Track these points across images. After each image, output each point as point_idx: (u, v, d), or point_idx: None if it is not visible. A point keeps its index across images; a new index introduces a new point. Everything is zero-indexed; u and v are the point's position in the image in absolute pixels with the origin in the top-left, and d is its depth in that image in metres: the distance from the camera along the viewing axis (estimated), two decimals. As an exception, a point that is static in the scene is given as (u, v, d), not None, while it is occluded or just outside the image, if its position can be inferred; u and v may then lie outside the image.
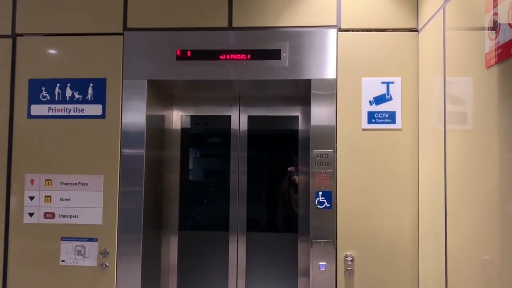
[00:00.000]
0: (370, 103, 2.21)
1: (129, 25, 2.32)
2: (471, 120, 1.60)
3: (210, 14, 2.30)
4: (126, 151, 2.27)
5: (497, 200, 1.38)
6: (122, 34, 2.32)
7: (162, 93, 2.53)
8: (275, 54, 2.27)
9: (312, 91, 2.24)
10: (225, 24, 2.30)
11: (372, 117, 2.20)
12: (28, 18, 2.36)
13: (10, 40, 2.35)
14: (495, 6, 1.39)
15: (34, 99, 2.31)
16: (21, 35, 2.35)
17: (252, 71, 2.27)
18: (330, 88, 2.23)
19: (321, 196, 2.19)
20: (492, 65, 1.40)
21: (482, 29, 1.47)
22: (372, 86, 2.21)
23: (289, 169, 2.70)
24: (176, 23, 2.31)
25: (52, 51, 2.34)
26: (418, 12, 2.22)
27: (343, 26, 2.25)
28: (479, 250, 1.50)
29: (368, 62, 2.22)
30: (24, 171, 2.31)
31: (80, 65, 2.31)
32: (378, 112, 2.20)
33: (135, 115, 2.28)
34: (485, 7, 1.45)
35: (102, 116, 2.28)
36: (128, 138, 2.28)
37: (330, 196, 2.19)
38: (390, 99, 2.20)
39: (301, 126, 2.67)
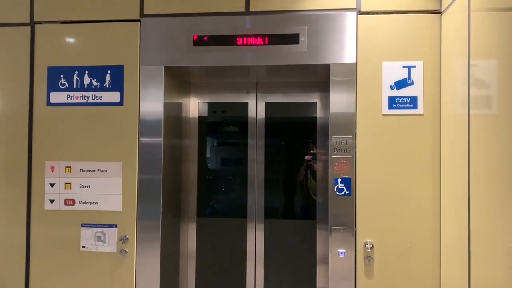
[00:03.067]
0: (391, 87, 2.16)
1: (145, 12, 2.31)
2: (497, 105, 1.54)
3: (228, 1, 2.26)
4: (144, 139, 2.27)
5: (525, 186, 1.33)
6: (139, 20, 2.30)
7: (179, 80, 2.52)
8: (293, 39, 2.22)
9: (331, 77, 2.20)
10: (242, 9, 2.26)
11: (393, 102, 2.14)
12: (46, 6, 2.36)
13: (28, 29, 2.36)
14: (525, -17, 1.32)
15: (53, 86, 2.33)
16: (39, 23, 2.36)
17: (269, 56, 2.24)
18: (350, 73, 2.18)
19: (340, 183, 2.16)
20: (521, 45, 1.34)
21: (510, 9, 1.41)
22: (393, 71, 2.15)
23: (306, 157, 2.68)
24: (193, 8, 2.28)
25: (69, 39, 2.34)
26: (440, -7, 2.15)
27: (363, 9, 2.19)
28: (503, 237, 1.45)
29: (389, 45, 2.16)
30: (44, 158, 2.33)
31: (98, 53, 2.31)
32: (399, 97, 2.14)
33: (153, 102, 2.28)
34: (514, -16, 1.39)
35: (120, 103, 2.29)
36: (146, 125, 2.28)
37: (349, 182, 2.15)
38: (412, 83, 2.14)
39: (319, 113, 2.63)
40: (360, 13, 2.20)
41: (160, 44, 2.29)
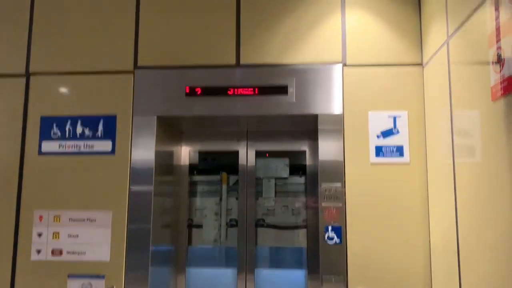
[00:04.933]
0: (378, 137, 2.22)
1: (139, 64, 2.38)
2: (480, 153, 1.60)
3: (218, 52, 2.36)
4: (135, 187, 2.28)
5: (511, 235, 1.35)
6: (132, 72, 2.37)
7: (171, 129, 2.56)
8: (282, 90, 2.30)
9: (319, 126, 2.26)
10: (233, 62, 2.35)
11: (380, 151, 2.20)
12: (42, 58, 2.43)
13: (23, 79, 2.41)
14: (498, 40, 1.41)
15: (45, 135, 2.35)
16: (34, 74, 2.42)
17: (259, 106, 2.30)
18: (337, 123, 2.25)
19: (331, 231, 2.16)
20: (498, 97, 1.42)
21: (487, 63, 1.50)
22: (379, 120, 2.22)
23: (296, 205, 2.69)
24: (185, 61, 2.37)
25: (64, 89, 2.39)
26: (422, 47, 2.26)
27: (348, 62, 2.30)
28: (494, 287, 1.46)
29: (374, 96, 2.25)
30: (33, 207, 2.31)
31: (91, 103, 2.36)
32: (386, 146, 2.20)
33: (144, 151, 2.31)
34: (489, 41, 1.48)
35: (112, 152, 2.31)
36: (137, 174, 2.29)
37: (340, 231, 2.16)
38: (398, 132, 2.21)
39: (309, 160, 2.68)
40: (346, 65, 2.30)
41: (153, 95, 2.35)
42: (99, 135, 2.33)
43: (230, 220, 2.72)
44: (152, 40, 2.39)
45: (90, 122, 2.34)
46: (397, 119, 2.22)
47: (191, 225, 2.73)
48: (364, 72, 2.28)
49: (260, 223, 2.70)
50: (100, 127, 2.33)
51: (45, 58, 2.42)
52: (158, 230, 2.36)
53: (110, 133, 2.32)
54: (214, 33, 2.37)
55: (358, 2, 2.33)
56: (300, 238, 2.68)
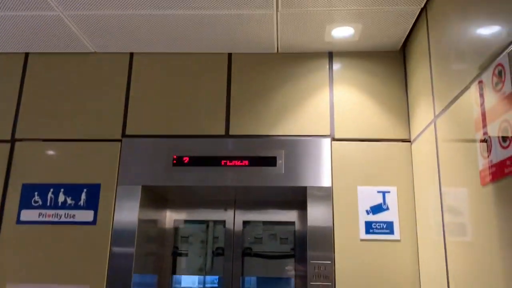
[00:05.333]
0: (367, 212, 2.18)
1: (127, 132, 2.37)
2: (471, 232, 1.56)
3: (207, 123, 2.36)
4: (115, 260, 2.18)
5: (507, 328, 1.29)
6: (120, 140, 2.35)
7: (156, 198, 2.50)
8: (271, 161, 2.29)
9: (308, 199, 2.22)
10: (222, 132, 2.35)
11: (369, 227, 2.15)
12: (29, 124, 2.40)
13: (8, 145, 2.37)
14: (484, 126, 1.42)
15: (25, 204, 2.27)
16: (20, 140, 2.38)
17: (248, 177, 2.27)
18: (326, 196, 2.22)
19: (319, 311, 2.06)
20: (487, 183, 1.40)
21: (474, 145, 1.50)
22: (368, 195, 2.20)
23: (284, 279, 2.59)
24: (173, 131, 2.36)
25: (49, 156, 2.35)
26: (410, 124, 2.29)
27: (336, 136, 2.30)
28: None
29: (363, 171, 2.24)
30: (5, 280, 2.19)
31: (76, 171, 2.31)
32: (376, 222, 2.16)
33: (127, 222, 2.23)
34: (475, 125, 1.49)
35: (93, 222, 2.23)
36: (117, 246, 2.20)
37: (328, 311, 2.06)
38: (387, 209, 2.17)
39: (297, 231, 2.61)
40: (334, 139, 2.30)
41: (139, 164, 2.31)
42: (82, 205, 2.26)
43: (215, 294, 2.60)
44: (141, 109, 2.39)
45: (73, 190, 2.28)
46: (386, 194, 2.19)
47: (173, 300, 2.60)
48: (352, 146, 2.28)
49: (245, 299, 2.58)
50: (83, 196, 2.27)
51: (32, 124, 2.40)
52: (137, 307, 2.23)
53: (92, 203, 2.26)
54: (204, 103, 2.38)
55: (345, 79, 2.38)
56: (288, 316, 2.55)
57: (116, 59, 2.48)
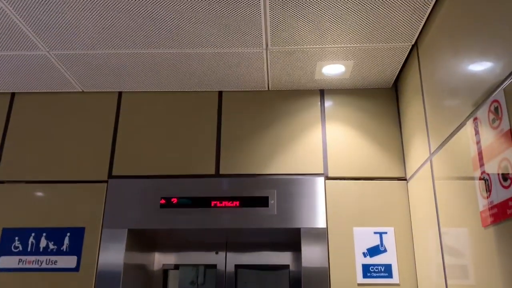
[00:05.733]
0: (364, 254, 2.08)
1: (114, 173, 2.29)
2: (473, 275, 1.47)
3: (197, 162, 2.29)
4: (99, 309, 2.06)
5: None
6: (106, 181, 2.27)
7: (143, 241, 2.39)
8: (263, 201, 2.20)
9: (302, 241, 2.13)
10: (212, 172, 2.28)
11: (367, 270, 2.05)
12: (12, 165, 2.32)
13: (-11, 188, 2.29)
14: (481, 165, 1.36)
15: (5, 250, 2.16)
16: (2, 182, 2.30)
17: (239, 219, 2.18)
18: (321, 238, 2.12)
19: None
20: (489, 224, 1.32)
21: (473, 180, 1.43)
22: (364, 237, 2.10)
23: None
24: (161, 171, 2.28)
25: (31, 199, 2.26)
26: (405, 162, 2.23)
27: (330, 174, 2.23)
28: None
29: (359, 210, 2.15)
30: (-20, 333, 2.05)
31: (59, 213, 2.21)
32: (373, 265, 2.06)
33: (112, 267, 2.12)
34: (473, 164, 1.43)
35: (76, 269, 2.11)
36: (102, 293, 2.08)
37: None
38: (385, 250, 2.08)
39: (292, 274, 2.49)
40: (328, 178, 2.23)
41: (126, 206, 2.22)
42: (64, 250, 2.15)
43: None
44: (129, 149, 2.33)
45: (56, 234, 2.17)
46: (383, 235, 2.10)
47: None
48: (346, 185, 2.21)
49: None
50: (66, 241, 2.16)
51: (15, 166, 2.32)
52: None
53: (76, 248, 2.15)
54: (194, 142, 2.32)
55: (338, 116, 2.34)
56: None
57: (104, 98, 2.43)
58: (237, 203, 2.21)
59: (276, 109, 2.37)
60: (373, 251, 2.08)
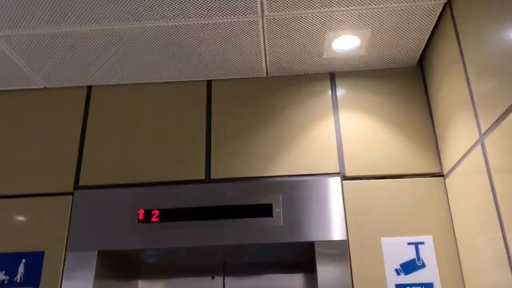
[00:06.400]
0: (397, 272, 1.63)
1: (82, 183, 1.86)
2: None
3: (182, 166, 1.86)
4: None
5: None
6: (71, 193, 1.84)
7: (120, 266, 1.94)
8: (265, 210, 1.76)
9: (317, 258, 1.68)
10: (202, 176, 1.85)
11: (403, 293, 1.60)
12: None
13: None
14: None
15: None
16: None
17: (236, 233, 1.74)
18: (341, 253, 1.67)
19: None
20: None
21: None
22: (396, 249, 1.66)
23: None
24: (140, 177, 1.86)
25: (-20, 218, 1.83)
26: (439, 154, 1.79)
27: (348, 173, 1.80)
28: None
29: (386, 216, 1.71)
30: None
31: (12, 235, 1.77)
32: (410, 285, 1.60)
33: (79, 301, 1.67)
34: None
35: (32, 305, 1.67)
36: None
37: None
38: (423, 266, 1.63)
39: (305, 302, 2.03)
40: (345, 178, 1.80)
41: (96, 222, 1.78)
42: (18, 281, 1.70)
43: None
44: (99, 154, 1.91)
45: (7, 262, 1.73)
46: (419, 247, 1.65)
47: None
48: (369, 185, 1.77)
49: None
50: (21, 269, 1.72)
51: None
52: None
53: (33, 277, 1.70)
54: (178, 142, 1.90)
55: (353, 103, 1.92)
56: None
57: (70, 94, 2.03)
58: (233, 213, 1.77)
59: (278, 99, 1.96)
60: (409, 266, 1.63)
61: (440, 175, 1.77)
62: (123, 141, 1.92)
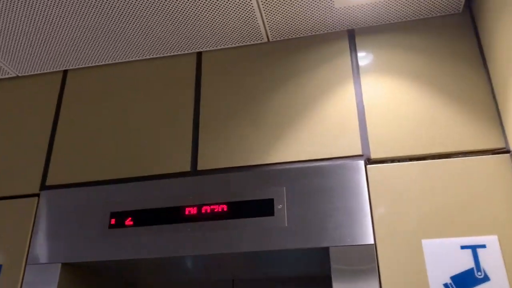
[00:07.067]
0: (446, 287, 1.14)
1: (49, 182, 1.56)
2: None
3: (163, 156, 1.50)
4: None
5: None
6: (37, 195, 1.54)
7: (92, 282, 1.60)
8: (264, 208, 1.35)
9: (333, 270, 1.23)
10: (187, 168, 1.48)
11: (455, 318, 1.11)
12: None
13: None
14: None
15: None
16: None
17: (225, 238, 1.34)
18: (366, 263, 1.22)
19: None
20: None
21: None
22: (444, 256, 1.17)
23: None
24: (114, 173, 1.52)
25: None
26: (502, 124, 1.30)
27: (373, 155, 1.35)
28: None
29: (429, 211, 1.23)
30: None
31: (-33, 246, 1.50)
32: (467, 307, 1.11)
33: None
34: None
35: (-20, 330, 1.37)
36: None
37: None
38: (485, 279, 1.13)
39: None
40: (370, 161, 1.35)
41: (62, 228, 1.46)
42: (-29, 300, 1.42)
43: None
44: (71, 148, 1.60)
45: (-41, 278, 1.45)
46: (479, 252, 1.16)
47: None
48: (403, 170, 1.30)
49: None
50: (-27, 287, 1.43)
51: None
52: None
53: (-14, 296, 1.41)
54: (159, 127, 1.55)
55: (378, 67, 1.47)
56: None
57: (43, 82, 1.75)
58: (224, 213, 1.37)
59: (282, 67, 1.55)
60: (464, 279, 1.13)
61: (504, 151, 1.26)
62: (98, 131, 1.60)
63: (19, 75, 1.78)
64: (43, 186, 1.55)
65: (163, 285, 1.81)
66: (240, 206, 1.37)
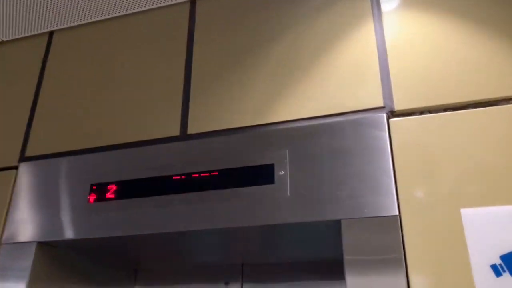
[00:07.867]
0: (495, 270, 0.87)
1: (29, 153, 1.40)
2: None
3: (151, 120, 1.30)
4: None
5: None
6: (15, 167, 1.38)
7: (75, 264, 1.43)
8: (263, 175, 1.11)
9: (345, 250, 0.98)
10: (176, 132, 1.26)
11: (507, 311, 0.83)
12: None
13: None
14: None
15: None
16: None
17: (219, 209, 1.11)
18: (390, 238, 0.96)
19: None
20: None
21: None
22: (490, 229, 0.89)
23: None
24: (98, 141, 1.33)
25: None
26: None
27: (398, 107, 1.08)
28: None
29: (468, 172, 0.95)
30: None
31: None
32: (523, 296, 0.83)
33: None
34: None
35: None
36: None
37: None
38: (549, 258, 0.84)
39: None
40: (394, 114, 1.08)
41: (41, 203, 1.30)
42: None
43: None
44: (54, 114, 1.43)
45: None
46: (539, 221, 0.87)
47: None
48: (435, 124, 1.02)
49: None
50: None
51: None
52: None
53: (-42, 279, 1.26)
54: (146, 88, 1.35)
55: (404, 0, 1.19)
56: None
57: (28, 45, 1.60)
58: (217, 181, 1.15)
59: (288, 9, 1.30)
60: (518, 261, 0.86)
61: None
62: (83, 96, 1.42)
63: (4, 40, 1.63)
64: (22, 157, 1.39)
65: (157, 267, 1.62)
66: (233, 173, 1.14)
